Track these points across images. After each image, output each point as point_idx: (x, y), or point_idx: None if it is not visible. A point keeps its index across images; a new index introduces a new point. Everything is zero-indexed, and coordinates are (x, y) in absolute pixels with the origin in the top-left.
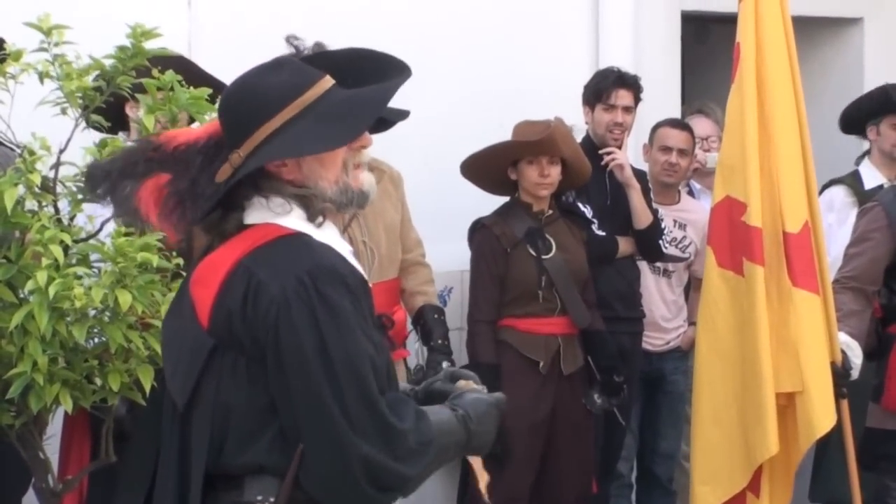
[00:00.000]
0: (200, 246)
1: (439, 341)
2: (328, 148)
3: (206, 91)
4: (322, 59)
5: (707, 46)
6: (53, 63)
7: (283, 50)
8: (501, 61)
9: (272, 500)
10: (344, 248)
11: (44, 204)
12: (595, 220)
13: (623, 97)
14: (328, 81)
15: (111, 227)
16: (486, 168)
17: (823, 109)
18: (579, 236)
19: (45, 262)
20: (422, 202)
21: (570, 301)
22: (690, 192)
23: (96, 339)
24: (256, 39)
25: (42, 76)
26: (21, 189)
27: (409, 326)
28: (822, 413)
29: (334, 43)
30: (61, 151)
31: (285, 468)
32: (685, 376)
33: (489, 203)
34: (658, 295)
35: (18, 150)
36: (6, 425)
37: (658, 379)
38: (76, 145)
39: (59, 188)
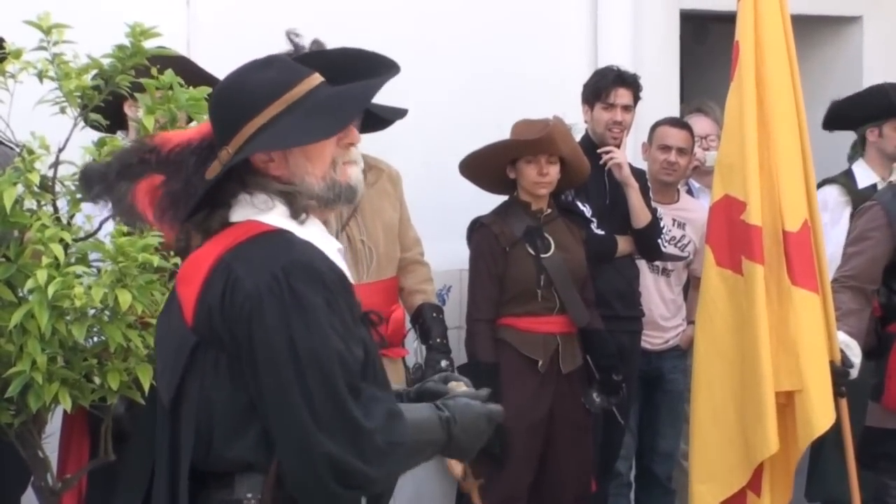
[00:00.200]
0: (197, 245)
1: (438, 340)
2: (313, 139)
3: (205, 91)
4: (314, 59)
5: (706, 45)
6: (52, 62)
7: (283, 48)
8: (500, 60)
9: (260, 497)
10: (330, 246)
11: (43, 203)
12: (594, 219)
13: (622, 96)
14: (316, 79)
15: (109, 226)
16: (484, 167)
17: (822, 108)
18: (578, 235)
19: (45, 260)
20: (420, 201)
21: (569, 300)
22: (689, 191)
23: (96, 339)
24: (255, 38)
25: (41, 75)
26: (20, 188)
27: (408, 325)
28: (822, 412)
29: (333, 41)
30: (60, 150)
31: (272, 466)
32: (684, 375)
33: (488, 202)
34: (657, 294)
35: (17, 149)
36: (5, 424)
37: (657, 378)
38: (75, 144)
39: (57, 187)
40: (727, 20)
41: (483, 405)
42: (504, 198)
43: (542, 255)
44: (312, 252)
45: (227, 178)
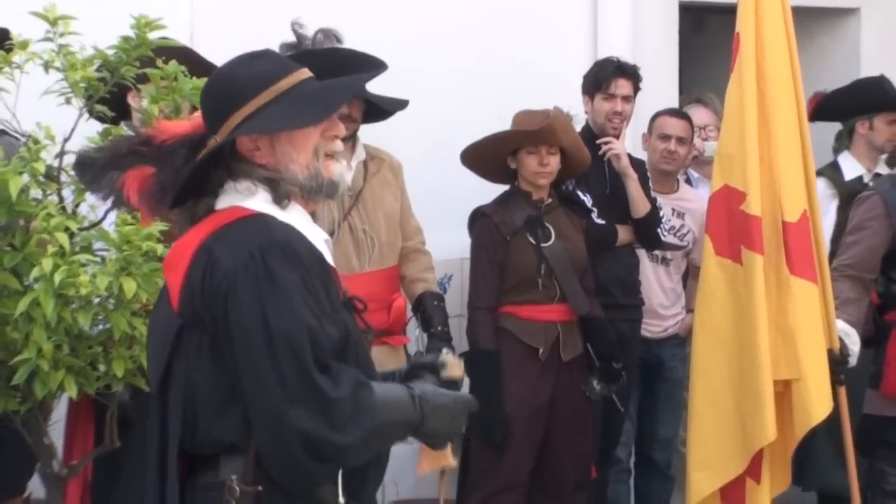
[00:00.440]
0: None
1: (439, 328)
2: (297, 126)
3: None
4: (307, 58)
5: (704, 37)
6: (58, 53)
7: (285, 39)
8: (501, 51)
9: (242, 479)
10: (315, 235)
11: (48, 192)
12: (595, 209)
13: (622, 86)
14: (304, 73)
15: (114, 216)
16: (486, 157)
17: None
18: (578, 224)
19: (50, 249)
20: (422, 190)
21: (570, 288)
22: (688, 181)
23: (101, 326)
24: (258, 30)
25: (47, 66)
26: (26, 177)
27: (409, 313)
28: (819, 400)
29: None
30: (66, 140)
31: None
32: (683, 363)
33: (489, 191)
34: (656, 283)
35: (23, 139)
36: (12, 411)
37: (656, 366)
38: (80, 134)
39: (63, 177)
40: (725, 12)
41: (457, 392)
42: (505, 187)
43: (543, 244)
44: (291, 233)
45: (214, 167)
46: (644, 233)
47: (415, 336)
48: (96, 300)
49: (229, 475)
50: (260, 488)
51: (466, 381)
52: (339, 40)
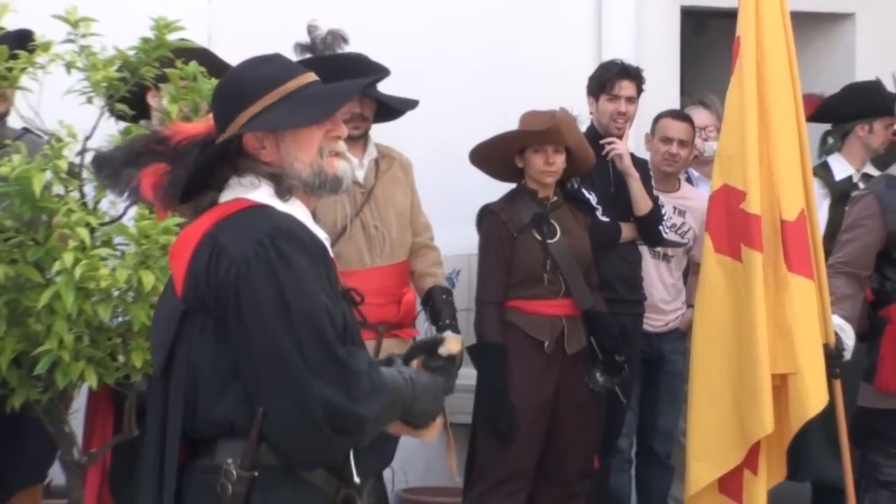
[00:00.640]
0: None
1: (447, 321)
2: (300, 124)
3: None
4: (316, 63)
5: (705, 40)
6: (80, 54)
7: (300, 40)
8: (509, 54)
9: (240, 462)
10: (316, 230)
11: (70, 189)
12: (599, 207)
13: (626, 88)
14: (309, 76)
15: (133, 211)
16: (493, 156)
17: None
18: (583, 222)
19: (71, 244)
20: (431, 188)
21: (574, 284)
22: (689, 180)
23: (120, 318)
24: (274, 31)
25: (69, 66)
26: (48, 174)
27: (419, 307)
28: (815, 394)
29: (350, 39)
30: (87, 138)
31: (253, 429)
32: (683, 356)
33: (496, 189)
34: (658, 278)
35: (46, 137)
36: (34, 400)
37: (657, 359)
38: (101, 133)
39: (84, 174)
40: (726, 16)
41: (433, 375)
42: (512, 185)
43: (549, 241)
44: (294, 222)
45: (220, 164)
46: (646, 230)
47: (424, 329)
48: (116, 293)
49: (225, 459)
50: (256, 474)
51: (473, 373)
52: (345, 40)
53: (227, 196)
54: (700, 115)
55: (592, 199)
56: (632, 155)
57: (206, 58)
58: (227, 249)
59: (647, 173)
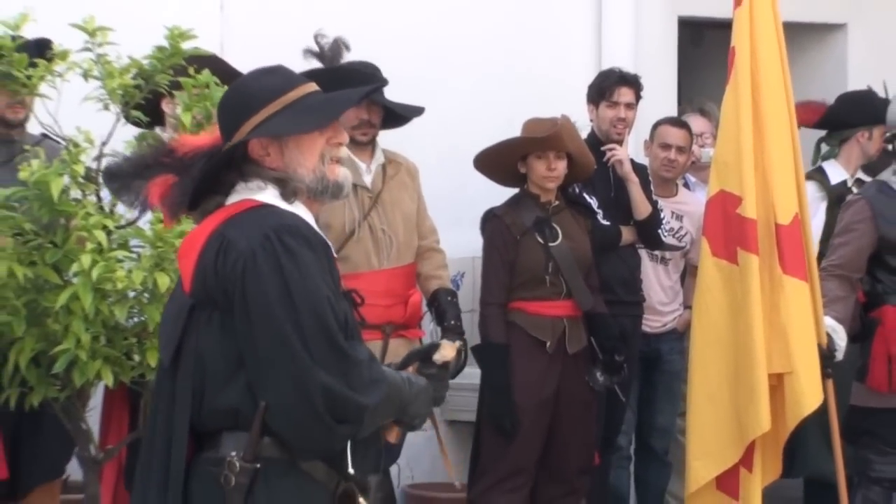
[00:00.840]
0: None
1: (452, 322)
2: (302, 130)
3: None
4: (319, 75)
5: (702, 49)
6: (97, 62)
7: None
8: (512, 63)
9: (243, 454)
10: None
11: (87, 193)
12: (600, 211)
13: (625, 94)
14: (311, 86)
15: (149, 214)
16: (497, 162)
17: None
18: (584, 225)
19: (89, 246)
20: (437, 193)
21: (575, 285)
22: (686, 185)
23: (136, 319)
24: (284, 40)
25: (86, 74)
26: (66, 179)
27: (425, 308)
28: (810, 392)
29: (356, 46)
30: (103, 144)
31: (255, 421)
32: (681, 356)
33: (500, 194)
34: (656, 281)
35: (64, 143)
36: (52, 398)
37: (655, 359)
38: (117, 138)
39: (101, 178)
40: (722, 26)
41: (424, 379)
42: (515, 190)
43: (551, 244)
44: (299, 219)
45: (227, 170)
46: (646, 233)
47: (429, 329)
48: (132, 294)
49: (229, 451)
50: (259, 465)
51: (477, 372)
52: (347, 48)
53: (233, 199)
54: (697, 123)
55: (593, 203)
56: (631, 160)
57: (217, 66)
58: (235, 244)
59: (647, 178)
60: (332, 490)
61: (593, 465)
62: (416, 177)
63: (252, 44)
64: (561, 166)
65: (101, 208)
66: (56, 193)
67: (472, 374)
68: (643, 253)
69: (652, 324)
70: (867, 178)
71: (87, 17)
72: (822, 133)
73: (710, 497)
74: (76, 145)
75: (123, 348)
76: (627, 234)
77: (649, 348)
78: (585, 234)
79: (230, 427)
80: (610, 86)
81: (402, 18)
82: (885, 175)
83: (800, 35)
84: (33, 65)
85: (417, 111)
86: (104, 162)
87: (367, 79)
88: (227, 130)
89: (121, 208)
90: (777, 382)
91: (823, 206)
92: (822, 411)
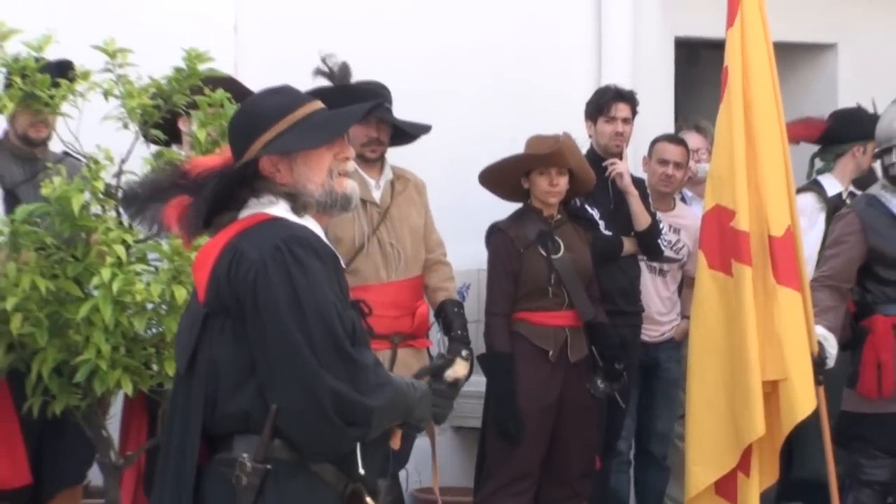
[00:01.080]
0: None
1: (459, 332)
2: (310, 146)
3: None
4: (320, 93)
5: (697, 68)
6: (117, 83)
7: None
8: (514, 83)
9: (254, 455)
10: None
11: (107, 208)
12: (601, 222)
13: (622, 109)
14: (316, 104)
15: None
16: (501, 178)
17: None
18: (585, 238)
19: (108, 260)
20: (443, 207)
21: (577, 296)
22: (683, 199)
23: (154, 330)
24: (296, 61)
25: (106, 94)
26: (87, 195)
27: (432, 319)
28: (804, 399)
29: (364, 65)
30: (123, 161)
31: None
32: (678, 364)
33: (504, 208)
34: (654, 292)
35: (85, 160)
36: (73, 406)
37: (654, 367)
38: (136, 156)
39: (120, 194)
40: (717, 46)
41: (426, 385)
42: (518, 205)
43: (553, 256)
44: (308, 231)
45: (239, 188)
46: (646, 244)
47: (437, 339)
48: (150, 306)
49: (241, 453)
50: (269, 466)
51: (483, 380)
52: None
53: (245, 214)
54: (692, 139)
55: (595, 215)
56: (630, 174)
57: (232, 86)
58: (247, 255)
59: (645, 191)
60: (340, 491)
61: (595, 469)
62: (423, 192)
63: (265, 64)
64: (563, 182)
65: (121, 223)
66: (77, 209)
67: (477, 381)
68: (642, 265)
69: (651, 333)
70: (858, 192)
71: (108, 39)
72: (814, 149)
73: (709, 501)
74: (96, 162)
75: (142, 358)
76: (628, 245)
77: (648, 357)
78: (586, 247)
79: (242, 430)
80: (607, 102)
81: (408, 37)
82: (875, 189)
83: (793, 55)
84: (56, 85)
85: (425, 129)
86: (123, 179)
87: (375, 97)
88: (237, 149)
89: None
90: (772, 389)
91: (822, 216)
92: (817, 416)
